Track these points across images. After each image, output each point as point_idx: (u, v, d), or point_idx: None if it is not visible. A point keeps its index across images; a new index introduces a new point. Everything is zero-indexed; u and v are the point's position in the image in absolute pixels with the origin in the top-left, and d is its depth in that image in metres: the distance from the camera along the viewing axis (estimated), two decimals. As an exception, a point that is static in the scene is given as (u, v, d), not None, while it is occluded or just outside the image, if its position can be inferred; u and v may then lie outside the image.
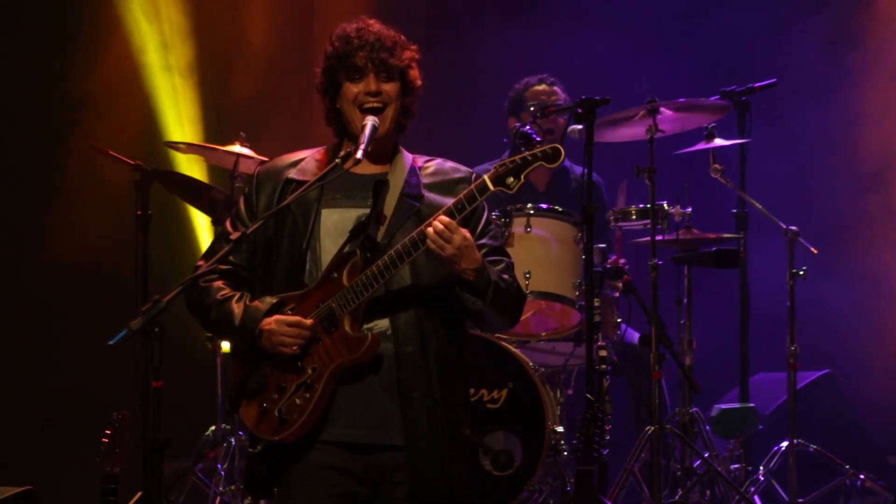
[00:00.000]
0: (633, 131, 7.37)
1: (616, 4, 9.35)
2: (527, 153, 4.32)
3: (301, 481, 4.42)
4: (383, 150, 4.54)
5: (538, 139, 7.32)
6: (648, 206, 7.22)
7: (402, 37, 4.55)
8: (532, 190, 8.02)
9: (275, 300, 4.43)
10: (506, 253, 4.59)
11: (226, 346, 7.48)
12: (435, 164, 4.61)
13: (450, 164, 4.62)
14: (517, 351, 7.02)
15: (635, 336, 7.56)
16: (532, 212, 7.20)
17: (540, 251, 7.17)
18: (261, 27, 9.24)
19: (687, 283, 7.59)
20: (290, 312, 4.41)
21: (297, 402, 4.38)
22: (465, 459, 4.52)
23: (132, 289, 5.83)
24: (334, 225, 4.47)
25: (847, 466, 7.53)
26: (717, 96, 7.77)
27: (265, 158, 7.42)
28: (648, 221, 7.24)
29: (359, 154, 4.38)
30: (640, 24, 9.32)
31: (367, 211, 4.45)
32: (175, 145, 8.12)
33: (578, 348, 7.20)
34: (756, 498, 7.32)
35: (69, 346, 8.70)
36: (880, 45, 9.08)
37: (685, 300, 7.57)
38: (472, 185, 4.32)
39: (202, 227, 8.84)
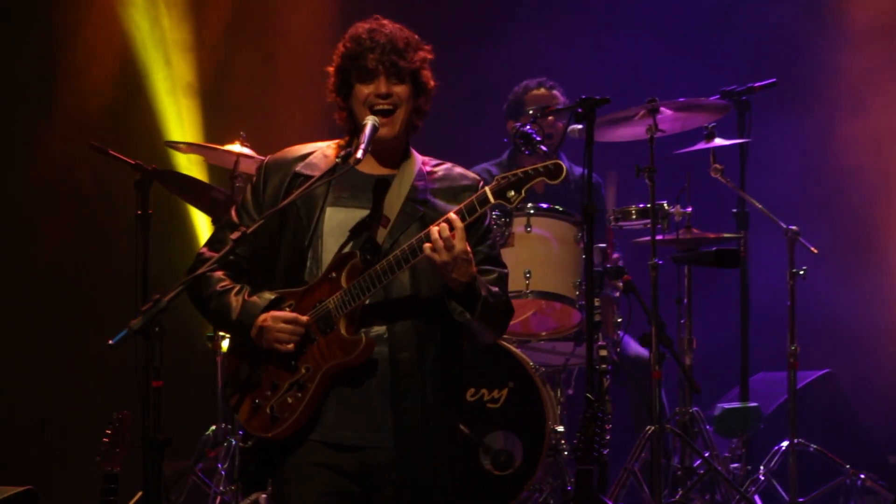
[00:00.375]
0: (633, 131, 7.37)
1: (616, 4, 9.34)
2: (529, 168, 4.33)
3: (295, 479, 4.42)
4: (393, 152, 4.54)
5: (538, 139, 7.34)
6: (648, 205, 7.22)
7: (416, 37, 4.55)
8: (530, 191, 8.00)
9: (273, 296, 4.43)
10: (501, 263, 4.58)
11: (226, 345, 7.48)
12: (443, 169, 4.60)
13: (458, 170, 4.62)
14: (517, 350, 7.02)
15: (633, 344, 7.57)
16: (532, 211, 7.20)
17: (540, 251, 7.17)
18: (261, 27, 9.23)
19: (687, 282, 7.59)
20: (288, 309, 4.41)
21: (289, 400, 4.39)
22: (460, 465, 4.52)
23: (132, 289, 5.83)
24: (338, 224, 4.47)
25: (847, 466, 7.53)
26: (717, 96, 7.77)
27: (265, 158, 7.42)
28: (648, 221, 7.24)
29: (359, 154, 4.38)
30: (641, 24, 9.32)
31: (372, 213, 4.45)
32: (175, 145, 8.12)
33: (579, 348, 7.20)
34: (756, 497, 7.32)
35: (69, 345, 8.71)
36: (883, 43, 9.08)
37: (685, 300, 7.57)
38: (473, 196, 4.32)
39: (202, 227, 8.84)
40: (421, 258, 4.29)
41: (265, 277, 4.51)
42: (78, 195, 8.78)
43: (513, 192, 4.31)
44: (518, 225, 7.17)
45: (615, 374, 7.31)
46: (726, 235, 7.60)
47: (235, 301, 4.44)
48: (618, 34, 9.23)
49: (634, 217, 7.44)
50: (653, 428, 6.98)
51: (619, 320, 7.41)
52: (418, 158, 4.59)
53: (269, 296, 4.43)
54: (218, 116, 8.95)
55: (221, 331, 6.78)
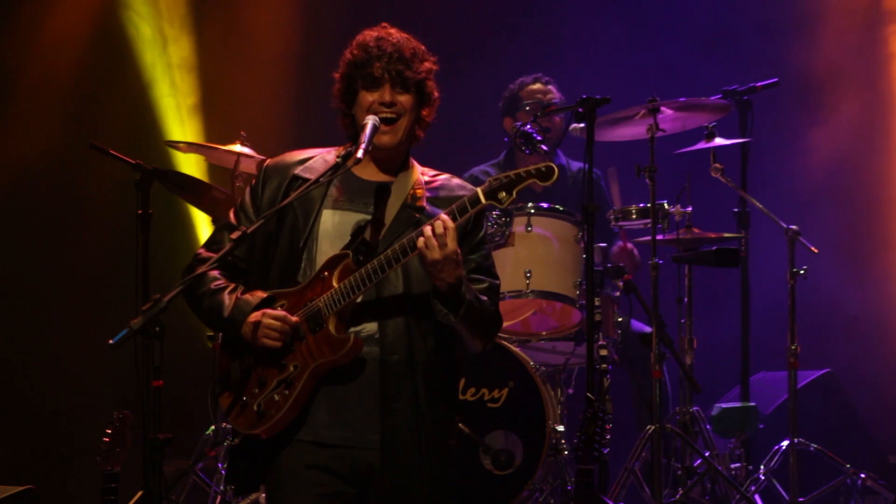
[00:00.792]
0: (633, 130, 7.37)
1: (616, 4, 9.34)
2: (521, 170, 4.34)
3: (288, 481, 4.42)
4: (393, 159, 4.55)
5: (538, 138, 7.33)
6: (649, 205, 7.22)
7: (422, 48, 4.57)
8: (528, 189, 8.00)
9: (265, 295, 4.44)
10: (492, 274, 4.58)
11: (226, 345, 7.47)
12: (442, 179, 4.61)
13: (456, 181, 4.63)
14: (518, 350, 7.02)
15: (638, 324, 7.57)
16: (533, 211, 7.20)
17: (541, 250, 7.17)
18: (261, 27, 9.23)
19: (688, 282, 7.59)
20: (280, 308, 4.42)
21: (276, 398, 4.39)
22: (454, 470, 4.51)
23: (132, 288, 5.82)
24: (333, 227, 4.48)
25: (848, 465, 7.53)
26: (719, 95, 7.77)
27: (265, 158, 7.43)
28: (649, 221, 7.24)
29: (359, 153, 4.39)
30: (642, 24, 9.32)
31: (368, 216, 4.46)
32: (175, 144, 8.12)
33: (579, 347, 7.20)
34: (757, 497, 7.32)
35: (69, 345, 8.71)
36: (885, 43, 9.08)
37: (686, 299, 7.57)
38: (465, 197, 4.33)
39: (203, 227, 8.84)
40: (412, 256, 4.30)
41: (261, 278, 4.52)
42: (78, 195, 8.77)
43: (504, 194, 4.32)
44: (518, 224, 7.17)
45: (619, 355, 7.30)
46: (727, 235, 7.60)
47: (228, 299, 4.46)
48: (619, 34, 9.23)
49: (635, 217, 7.44)
50: (653, 427, 6.98)
51: (620, 320, 7.41)
52: (417, 168, 4.61)
53: (261, 295, 4.44)
54: (218, 116, 8.95)
55: (214, 329, 6.77)
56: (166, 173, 7.20)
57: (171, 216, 8.63)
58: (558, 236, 7.20)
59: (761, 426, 7.71)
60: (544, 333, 7.32)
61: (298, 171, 4.55)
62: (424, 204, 4.51)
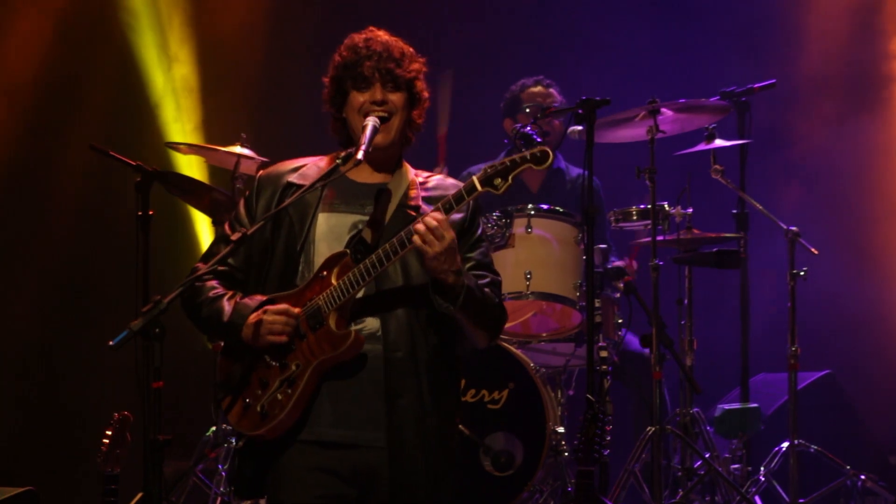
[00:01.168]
0: (633, 132, 7.37)
1: (617, 3, 9.35)
2: (515, 156, 4.33)
3: (289, 483, 4.42)
4: (387, 160, 4.56)
5: (539, 140, 7.34)
6: (649, 206, 7.22)
7: (410, 49, 4.57)
8: (525, 192, 8.02)
9: (264, 298, 4.45)
10: (493, 271, 4.59)
11: (226, 346, 7.47)
12: (436, 178, 4.63)
13: (451, 180, 4.65)
14: (518, 352, 7.02)
15: (634, 341, 7.57)
16: (533, 212, 7.20)
17: (541, 252, 7.17)
18: (261, 26, 9.24)
19: (688, 283, 7.59)
20: None
21: (279, 397, 4.39)
22: (456, 467, 4.52)
23: (132, 289, 5.82)
24: (330, 229, 4.49)
25: (848, 467, 7.53)
26: (718, 97, 7.78)
27: (265, 159, 7.44)
28: (649, 222, 7.24)
29: (359, 155, 4.39)
30: (641, 22, 9.32)
31: (364, 218, 4.47)
32: (176, 146, 8.12)
33: (579, 349, 7.21)
34: (757, 498, 7.32)
35: (70, 346, 8.71)
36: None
37: (686, 300, 7.57)
38: (462, 186, 4.33)
39: (203, 228, 8.84)
40: (410, 248, 4.29)
41: (258, 285, 4.52)
42: (78, 196, 8.77)
43: (500, 180, 4.31)
44: (519, 226, 7.17)
45: (616, 370, 7.31)
46: (727, 236, 7.61)
47: (227, 304, 4.46)
48: (620, 34, 9.23)
49: (635, 218, 7.44)
50: (653, 429, 6.98)
51: (620, 321, 7.41)
52: (410, 170, 4.62)
53: (260, 298, 4.45)
54: (218, 118, 8.96)
55: (214, 337, 6.78)
56: (167, 175, 7.21)
57: (171, 217, 8.63)
58: (558, 238, 7.21)
59: (762, 427, 7.71)
60: (544, 335, 7.32)
61: (292, 178, 4.56)
62: (420, 203, 4.51)
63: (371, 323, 4.42)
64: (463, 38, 9.16)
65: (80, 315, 8.72)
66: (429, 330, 4.44)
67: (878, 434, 8.38)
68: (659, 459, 6.96)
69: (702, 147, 7.56)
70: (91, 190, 8.75)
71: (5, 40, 8.71)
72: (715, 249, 7.48)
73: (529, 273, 7.11)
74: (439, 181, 4.62)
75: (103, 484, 5.51)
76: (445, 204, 4.31)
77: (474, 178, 4.33)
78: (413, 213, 4.47)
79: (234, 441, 7.34)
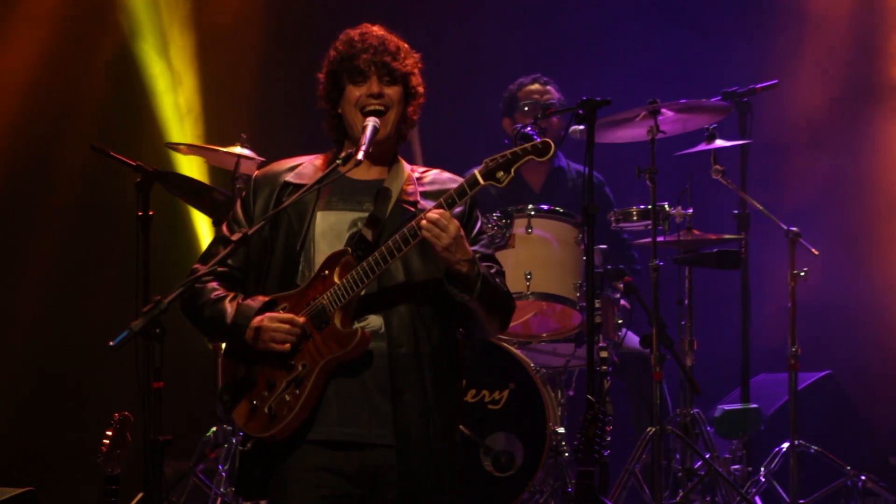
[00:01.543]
0: (634, 132, 7.37)
1: (617, 3, 9.35)
2: (517, 148, 4.32)
3: (293, 482, 4.42)
4: (383, 156, 4.55)
5: (539, 140, 7.32)
6: (649, 207, 7.22)
7: (406, 44, 4.57)
8: (528, 191, 8.02)
9: (267, 299, 4.44)
10: (496, 261, 4.59)
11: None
12: (433, 173, 4.63)
13: (447, 174, 4.64)
14: (518, 352, 7.02)
15: (635, 340, 7.56)
16: (533, 213, 7.19)
17: (541, 252, 7.17)
18: (262, 26, 9.24)
19: (688, 284, 7.59)
20: (282, 311, 4.41)
21: (287, 398, 4.38)
22: (459, 462, 4.52)
23: (133, 290, 5.82)
24: (329, 227, 4.48)
25: (848, 467, 7.53)
26: (719, 97, 7.77)
27: (265, 159, 7.43)
28: (650, 222, 7.24)
29: (360, 155, 4.39)
30: (641, 22, 9.32)
31: (362, 215, 4.46)
32: (176, 146, 8.12)
33: (579, 349, 7.20)
34: (757, 499, 7.32)
35: (70, 346, 8.71)
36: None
37: (686, 301, 7.57)
38: (463, 180, 4.33)
39: (203, 228, 8.84)
40: (414, 244, 4.29)
41: (258, 285, 4.51)
42: (78, 196, 8.77)
43: (501, 173, 4.32)
44: (519, 226, 7.17)
45: (616, 369, 7.30)
46: (727, 237, 7.60)
47: (230, 306, 4.45)
48: (620, 34, 9.23)
49: (635, 218, 7.44)
50: (653, 429, 6.98)
51: (620, 322, 7.41)
52: (406, 165, 4.61)
53: (263, 299, 4.44)
54: (218, 118, 8.95)
55: (217, 339, 6.78)
56: (167, 175, 7.21)
57: (171, 218, 8.63)
58: (559, 238, 7.20)
59: (762, 428, 7.70)
60: (545, 335, 7.32)
61: (289, 177, 4.55)
62: (418, 199, 4.51)
63: (374, 320, 4.42)
64: (463, 38, 9.16)
65: (80, 315, 8.72)
66: (432, 326, 4.44)
67: (878, 434, 8.38)
68: (659, 460, 6.96)
69: (702, 147, 7.55)
70: (91, 190, 8.74)
71: (5, 40, 8.71)
72: (715, 250, 7.48)
73: (529, 273, 7.11)
74: (436, 175, 4.61)
75: (103, 484, 5.51)
76: (448, 199, 4.31)
77: (476, 171, 4.33)
78: (411, 209, 4.47)
79: (234, 442, 7.34)
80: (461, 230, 4.30)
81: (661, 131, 7.23)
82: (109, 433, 5.53)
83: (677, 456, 7.34)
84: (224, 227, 4.60)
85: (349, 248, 4.40)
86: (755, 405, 7.69)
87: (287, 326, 4.36)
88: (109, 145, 6.63)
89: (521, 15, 9.45)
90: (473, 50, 9.20)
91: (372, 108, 4.48)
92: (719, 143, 7.52)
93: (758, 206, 7.60)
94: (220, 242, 4.57)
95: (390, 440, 4.40)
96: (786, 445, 7.47)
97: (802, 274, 7.49)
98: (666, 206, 7.34)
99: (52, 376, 8.70)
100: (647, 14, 9.33)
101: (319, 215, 4.49)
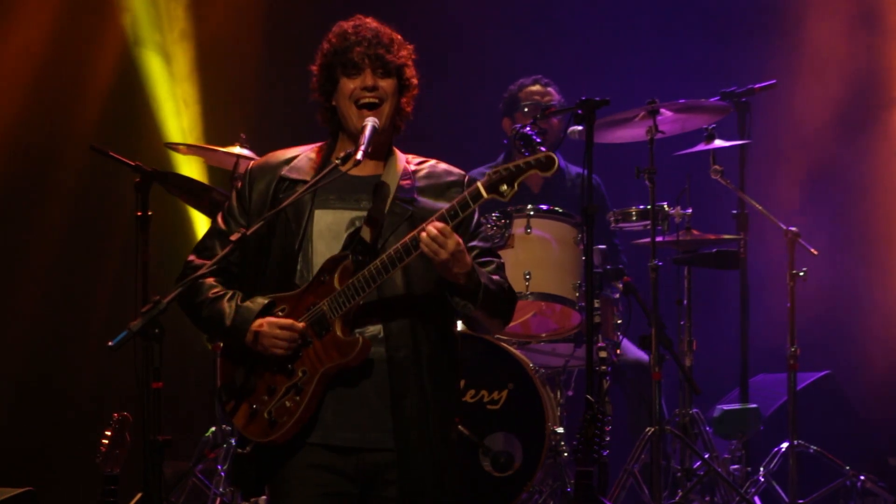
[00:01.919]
0: (633, 132, 7.37)
1: (617, 3, 9.35)
2: (520, 161, 4.31)
3: (291, 481, 4.41)
4: (378, 150, 4.53)
5: (538, 140, 7.34)
6: (649, 207, 7.22)
7: (399, 36, 4.55)
8: (527, 191, 8.02)
9: (266, 301, 4.42)
10: (496, 254, 4.58)
11: (226, 347, 7.47)
12: (428, 166, 4.60)
13: (442, 166, 4.62)
14: (517, 352, 7.02)
15: (632, 348, 7.56)
16: (532, 213, 7.19)
17: (540, 252, 7.17)
18: (261, 26, 9.23)
19: (687, 284, 7.59)
20: (280, 314, 4.41)
21: (287, 404, 4.38)
22: (458, 462, 4.52)
23: (132, 289, 5.82)
24: (327, 227, 4.47)
25: (847, 467, 7.53)
26: (718, 97, 7.78)
27: (249, 164, 7.42)
28: (649, 223, 7.24)
29: (359, 155, 4.37)
30: (641, 23, 9.32)
31: (360, 214, 4.45)
32: (175, 146, 8.12)
33: (578, 349, 7.20)
34: (756, 499, 7.32)
35: (69, 347, 8.70)
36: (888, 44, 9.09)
37: (685, 301, 7.57)
38: (466, 192, 4.31)
39: (202, 229, 8.84)
40: (415, 256, 4.28)
41: (255, 282, 4.50)
42: (78, 196, 8.77)
43: (505, 186, 4.29)
44: (518, 226, 7.17)
45: (614, 375, 7.31)
46: (726, 237, 7.61)
47: (228, 307, 4.44)
48: (620, 34, 9.23)
49: (634, 219, 7.44)
50: (652, 429, 6.98)
51: (619, 322, 7.41)
52: (402, 157, 4.59)
53: (262, 300, 4.42)
54: (218, 118, 8.95)
55: (215, 338, 6.78)
56: (166, 175, 7.21)
57: (171, 218, 8.63)
58: (558, 238, 7.20)
59: (761, 428, 7.71)
60: (544, 335, 7.32)
61: (285, 171, 4.53)
62: (415, 195, 4.50)
63: (373, 325, 4.41)
64: (462, 38, 9.16)
65: (79, 315, 8.71)
66: (431, 330, 4.43)
67: (877, 434, 8.38)
68: (658, 460, 6.96)
69: (701, 147, 7.56)
70: (90, 190, 8.74)
71: (4, 40, 8.71)
72: (714, 250, 7.48)
73: (529, 273, 7.11)
74: (431, 168, 4.58)
75: (103, 484, 5.51)
76: (451, 211, 4.29)
77: (479, 184, 4.31)
78: (409, 207, 4.46)
79: (233, 442, 7.34)
80: (461, 245, 4.28)
81: (660, 131, 7.23)
82: (108, 433, 5.53)
83: (676, 456, 7.34)
84: (219, 219, 4.58)
85: (349, 254, 4.39)
86: (754, 405, 7.70)
87: (287, 333, 4.36)
88: (108, 145, 6.63)
89: (521, 14, 9.45)
90: (473, 49, 9.20)
91: (366, 100, 4.47)
92: (718, 143, 7.52)
93: (757, 206, 7.61)
94: (214, 235, 4.55)
95: (390, 445, 4.39)
96: (785, 445, 7.47)
97: (801, 274, 7.50)
98: (665, 207, 7.34)
99: (52, 376, 8.69)
100: (647, 14, 9.33)
101: (317, 214, 4.48)
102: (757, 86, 7.82)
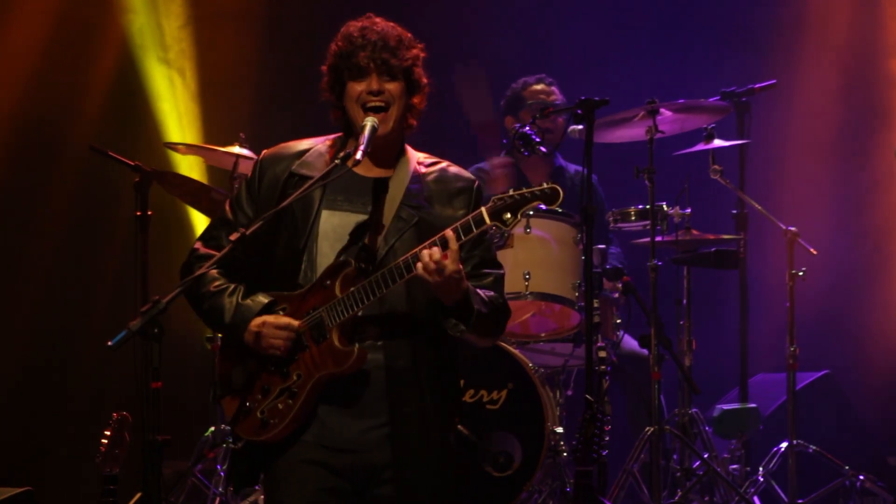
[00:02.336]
0: (632, 132, 7.37)
1: (616, 4, 9.35)
2: (526, 191, 4.31)
3: (287, 477, 4.41)
4: (387, 151, 4.52)
5: (537, 140, 7.34)
6: (648, 207, 7.23)
7: (408, 35, 4.53)
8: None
9: (267, 300, 4.42)
10: (496, 265, 4.57)
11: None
12: (438, 170, 4.57)
13: (453, 170, 4.60)
14: (517, 352, 7.02)
15: (633, 343, 7.56)
16: (531, 213, 7.19)
17: (539, 252, 7.16)
18: (261, 25, 9.23)
19: (686, 283, 7.59)
20: (281, 313, 4.41)
21: (280, 406, 4.39)
22: (456, 467, 4.52)
23: (131, 290, 5.83)
24: (333, 229, 4.46)
25: (846, 467, 7.53)
26: (717, 97, 7.78)
27: (261, 153, 7.42)
28: (648, 222, 7.24)
29: (358, 155, 4.36)
30: (640, 23, 9.32)
31: (366, 217, 4.44)
32: (174, 146, 8.12)
33: (578, 349, 7.20)
34: (755, 499, 7.32)
35: (69, 346, 8.71)
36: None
37: (685, 301, 7.58)
38: (470, 217, 4.29)
39: (202, 228, 8.83)
40: (413, 275, 4.27)
41: (259, 276, 4.49)
42: (77, 196, 8.77)
43: (509, 215, 4.30)
44: (517, 226, 7.12)
45: (613, 372, 7.31)
46: (725, 237, 7.61)
47: (229, 303, 4.44)
48: (620, 34, 9.23)
49: (634, 218, 7.44)
50: (652, 429, 6.98)
51: (619, 321, 7.41)
52: (413, 158, 4.57)
53: (262, 299, 4.42)
54: (217, 118, 8.95)
55: (214, 331, 6.79)
56: (165, 175, 7.22)
57: (170, 217, 8.63)
58: (557, 238, 7.20)
59: (760, 428, 7.71)
60: (543, 335, 7.32)
61: (295, 166, 4.51)
62: (422, 201, 4.49)
63: (372, 332, 4.40)
64: (463, 38, 9.16)
65: (78, 314, 8.71)
66: (430, 338, 4.42)
67: (876, 434, 8.38)
68: (657, 460, 6.96)
69: (701, 147, 7.56)
70: (90, 190, 8.74)
71: (4, 39, 8.71)
72: (714, 250, 7.48)
73: (528, 273, 7.11)
74: (441, 173, 4.56)
75: (102, 484, 5.51)
76: (454, 232, 4.27)
77: (483, 210, 4.29)
78: (416, 213, 4.44)
79: (230, 440, 7.34)
80: (459, 272, 4.26)
81: (660, 131, 7.23)
82: (108, 433, 5.53)
83: (675, 456, 7.34)
84: (227, 207, 4.58)
85: (352, 260, 4.39)
86: (753, 405, 7.70)
87: (285, 333, 4.36)
88: (108, 145, 6.64)
89: (521, 14, 9.45)
90: (473, 49, 9.20)
91: (372, 104, 4.46)
92: (718, 142, 7.52)
93: (756, 205, 7.61)
94: (221, 224, 4.54)
95: (386, 450, 4.39)
96: (784, 445, 7.47)
97: (801, 274, 7.50)
98: (664, 206, 7.34)
99: (51, 376, 8.69)
100: (647, 14, 9.33)
101: (324, 214, 4.47)
102: (757, 86, 7.82)
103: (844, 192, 9.12)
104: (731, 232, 7.78)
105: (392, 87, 4.46)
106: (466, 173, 4.60)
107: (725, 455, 7.51)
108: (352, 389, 4.39)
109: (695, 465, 7.29)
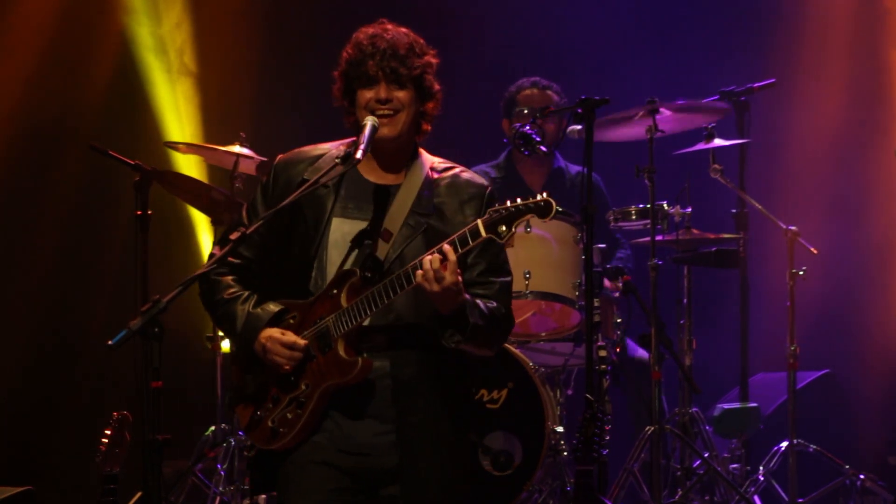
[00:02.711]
0: (632, 131, 7.37)
1: (616, 4, 9.35)
2: (520, 203, 4.31)
3: (296, 476, 4.43)
4: (398, 155, 4.52)
5: (538, 139, 7.34)
6: (648, 206, 7.23)
7: (420, 41, 4.53)
8: (527, 190, 8.01)
9: (277, 309, 4.44)
10: (504, 271, 4.56)
11: (225, 346, 7.49)
12: (451, 176, 4.56)
13: (466, 175, 4.58)
14: (517, 351, 7.02)
15: (641, 351, 7.56)
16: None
17: (540, 251, 7.16)
18: (261, 24, 9.23)
19: (687, 283, 7.59)
20: (292, 321, 4.43)
21: (289, 416, 4.42)
22: (467, 479, 4.53)
23: (132, 289, 5.82)
24: (343, 236, 4.46)
25: (847, 466, 7.53)
26: (717, 97, 7.77)
27: (264, 158, 7.43)
28: (648, 221, 7.24)
29: (358, 154, 4.36)
30: (640, 23, 9.32)
31: (376, 225, 4.45)
32: (174, 145, 8.12)
33: (578, 348, 7.20)
34: (756, 498, 7.32)
35: (69, 346, 8.71)
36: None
37: (685, 300, 7.58)
38: (466, 229, 4.28)
39: (202, 228, 8.84)
40: (414, 286, 4.27)
41: (273, 284, 4.51)
42: (77, 196, 8.77)
43: (504, 227, 4.29)
44: (518, 225, 7.15)
45: (615, 376, 7.30)
46: (726, 236, 7.61)
47: (241, 311, 4.46)
48: (619, 33, 9.23)
49: (634, 217, 7.44)
50: (652, 428, 6.98)
51: (619, 321, 7.41)
52: (426, 163, 4.56)
53: (272, 308, 4.44)
54: (217, 117, 8.95)
55: (229, 339, 6.83)
56: (165, 174, 7.22)
57: (170, 217, 8.63)
58: (557, 237, 7.20)
59: (761, 427, 7.71)
60: (543, 334, 7.32)
61: (308, 172, 4.50)
62: (432, 209, 4.48)
63: (379, 341, 4.41)
64: (463, 38, 9.15)
65: (79, 315, 8.72)
66: (437, 348, 4.40)
67: (877, 434, 8.38)
68: (658, 459, 6.96)
69: (701, 146, 7.56)
70: (90, 190, 8.74)
71: (4, 39, 8.71)
72: (714, 249, 7.48)
73: (528, 272, 7.10)
74: (454, 178, 4.55)
75: (102, 484, 5.51)
76: (451, 244, 4.27)
77: (479, 222, 4.28)
78: (425, 221, 4.44)
79: (233, 442, 7.35)
80: (458, 285, 4.25)
81: (660, 130, 7.23)
82: (108, 432, 5.53)
83: (676, 455, 7.34)
84: (243, 212, 4.58)
85: (357, 270, 4.39)
86: (754, 404, 7.70)
87: (289, 353, 4.38)
88: (108, 145, 6.64)
89: (521, 14, 9.45)
90: (474, 49, 9.20)
91: (381, 112, 4.45)
92: (718, 142, 7.52)
93: (756, 205, 7.61)
94: (237, 228, 4.54)
95: (394, 455, 4.40)
96: (784, 444, 7.47)
97: (801, 273, 7.50)
98: (665, 206, 7.34)
99: (51, 375, 8.69)
100: (647, 13, 9.33)
101: (335, 222, 4.47)
102: (756, 85, 7.82)
103: (845, 191, 9.12)
104: (732, 231, 7.78)
105: (401, 94, 4.46)
106: (479, 178, 4.59)
107: (726, 454, 7.51)
108: (360, 397, 4.40)
109: (695, 465, 7.29)
